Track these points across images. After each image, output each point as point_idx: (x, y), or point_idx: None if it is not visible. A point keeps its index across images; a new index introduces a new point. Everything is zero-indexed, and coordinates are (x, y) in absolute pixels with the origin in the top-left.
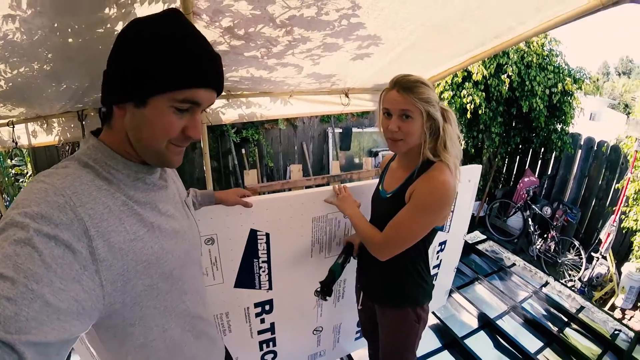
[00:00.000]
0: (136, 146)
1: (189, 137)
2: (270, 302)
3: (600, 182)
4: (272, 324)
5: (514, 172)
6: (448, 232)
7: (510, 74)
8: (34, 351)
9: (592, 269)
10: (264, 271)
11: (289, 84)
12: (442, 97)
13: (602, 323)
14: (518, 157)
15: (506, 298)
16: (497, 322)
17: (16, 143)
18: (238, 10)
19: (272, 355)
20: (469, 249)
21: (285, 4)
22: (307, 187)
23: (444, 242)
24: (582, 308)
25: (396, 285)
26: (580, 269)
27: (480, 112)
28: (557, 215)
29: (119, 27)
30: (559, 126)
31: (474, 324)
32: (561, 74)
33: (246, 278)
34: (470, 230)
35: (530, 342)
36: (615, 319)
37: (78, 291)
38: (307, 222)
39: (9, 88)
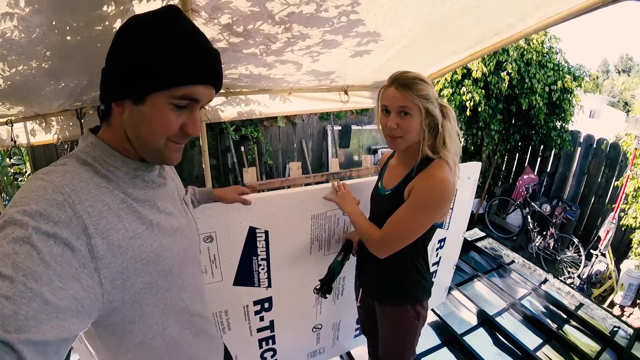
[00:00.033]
0: (135, 143)
1: (188, 134)
2: (269, 299)
3: (599, 180)
4: (272, 322)
5: (514, 170)
6: (447, 229)
7: (509, 71)
8: (33, 350)
9: (591, 266)
10: (263, 269)
11: (288, 81)
12: (441, 94)
13: (601, 320)
14: (517, 154)
15: (505, 295)
16: (497, 319)
17: (15, 142)
18: (237, 7)
19: (271, 353)
20: (468, 246)
21: (284, 0)
22: (306, 185)
23: (444, 239)
24: (581, 305)
25: (396, 282)
26: (580, 266)
27: (479, 109)
28: (556, 213)
29: (118, 24)
30: (558, 124)
31: (473, 321)
32: (561, 72)
33: (245, 276)
34: (469, 228)
35: (530, 339)
36: (614, 316)
37: (77, 289)
38: (306, 219)
39: (7, 86)
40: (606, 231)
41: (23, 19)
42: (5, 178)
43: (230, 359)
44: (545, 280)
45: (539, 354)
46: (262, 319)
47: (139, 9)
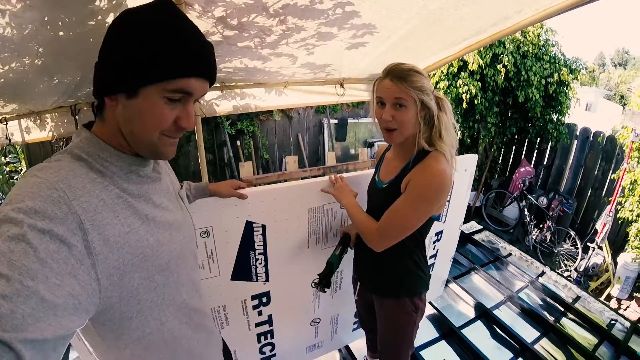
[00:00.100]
0: (128, 138)
1: (182, 127)
2: (267, 294)
3: (596, 173)
4: (270, 316)
5: (510, 162)
6: (444, 222)
7: (506, 63)
8: (31, 348)
9: (588, 259)
10: (260, 263)
11: (284, 74)
12: (437, 86)
13: (598, 313)
14: (514, 147)
15: (502, 288)
16: (494, 311)
17: (10, 140)
18: None
19: (270, 347)
20: (465, 239)
21: None
22: (303, 179)
23: (441, 232)
24: (578, 298)
25: (393, 275)
26: (576, 259)
27: (476, 102)
28: (553, 206)
29: (110, 19)
30: (554, 116)
31: (471, 313)
32: (557, 64)
33: (243, 270)
34: (466, 221)
35: (527, 332)
36: (611, 308)
37: (74, 286)
38: (303, 213)
39: (0, 84)
40: (603, 224)
41: (15, 15)
42: (0, 176)
43: (228, 354)
44: (543, 273)
45: (536, 346)
46: (260, 313)
47: (132, 2)
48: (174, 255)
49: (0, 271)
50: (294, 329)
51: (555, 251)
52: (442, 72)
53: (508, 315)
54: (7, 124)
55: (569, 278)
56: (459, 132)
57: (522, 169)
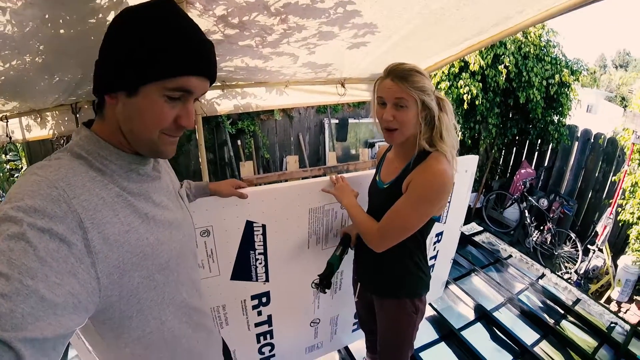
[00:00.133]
0: (128, 136)
1: (182, 126)
2: (267, 294)
3: (597, 175)
4: (269, 317)
5: (511, 164)
6: (445, 223)
7: (507, 64)
8: (31, 347)
9: (589, 262)
10: (260, 263)
11: (285, 73)
12: (438, 87)
13: (598, 316)
14: (515, 148)
15: (502, 290)
16: (494, 313)
17: (10, 138)
18: None
19: (269, 347)
20: (465, 240)
21: None
22: (303, 179)
23: (441, 233)
24: (578, 300)
25: (394, 276)
26: (577, 262)
27: (477, 102)
28: (553, 207)
29: (111, 17)
30: (555, 118)
31: (471, 315)
32: (558, 65)
33: (243, 270)
34: (466, 222)
35: (527, 334)
36: (611, 311)
37: (74, 285)
38: (303, 213)
39: (1, 82)
40: (603, 226)
41: (15, 12)
42: (1, 174)
43: (228, 353)
44: (543, 275)
45: (536, 349)
46: (259, 313)
47: (133, 0)
48: (173, 254)
49: (0, 270)
50: (293, 329)
51: (556, 253)
52: (443, 72)
53: (508, 318)
54: (7, 121)
55: (569, 280)
56: (460, 133)
57: (522, 171)
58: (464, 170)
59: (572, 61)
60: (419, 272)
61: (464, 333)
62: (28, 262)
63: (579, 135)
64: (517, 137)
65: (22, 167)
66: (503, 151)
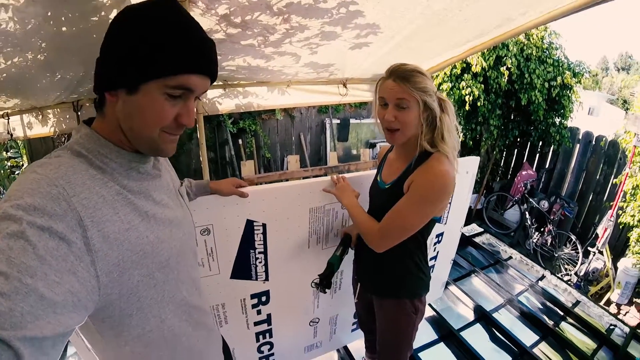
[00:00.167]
0: (128, 134)
1: (182, 124)
2: (266, 293)
3: (597, 177)
4: (269, 315)
5: (512, 165)
6: (445, 224)
7: (509, 66)
8: (30, 346)
9: (589, 264)
10: (260, 262)
11: (287, 73)
12: (440, 88)
13: (598, 318)
14: (516, 150)
15: (502, 291)
16: (493, 314)
17: (11, 135)
18: None
19: (268, 346)
20: (465, 241)
21: None
22: (304, 178)
23: (441, 234)
24: (577, 302)
25: (394, 276)
26: (577, 264)
27: (478, 104)
28: (554, 209)
29: (113, 15)
30: (557, 120)
31: (470, 316)
32: (560, 68)
33: (242, 269)
34: (467, 223)
35: (526, 336)
36: (610, 314)
37: (73, 283)
38: (304, 213)
39: (3, 79)
40: (604, 229)
41: (18, 10)
42: (2, 172)
43: (228, 352)
44: (543, 277)
45: (535, 350)
46: (259, 312)
47: None
48: (173, 253)
49: None
50: (292, 328)
51: (556, 255)
52: (445, 73)
53: (507, 319)
54: (9, 119)
55: (569, 282)
56: (461, 134)
57: (523, 172)
58: (465, 171)
59: (574, 63)
60: (419, 273)
61: (464, 334)
62: (27, 261)
63: (580, 137)
64: (518, 139)
65: (23, 165)
66: (504, 153)
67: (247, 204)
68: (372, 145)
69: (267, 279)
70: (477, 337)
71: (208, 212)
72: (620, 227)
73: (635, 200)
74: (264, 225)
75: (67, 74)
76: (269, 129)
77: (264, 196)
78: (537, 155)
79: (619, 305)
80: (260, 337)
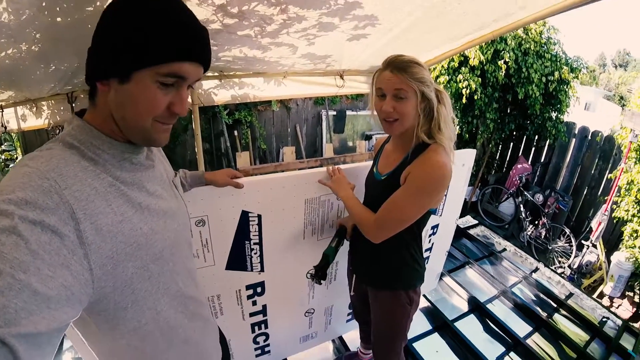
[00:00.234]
0: (121, 124)
1: (175, 113)
2: (262, 284)
3: (592, 172)
4: (264, 306)
5: (507, 159)
6: (441, 216)
7: (507, 60)
8: (25, 343)
9: (582, 257)
10: (255, 253)
11: (283, 64)
12: (437, 81)
13: (591, 310)
14: (512, 143)
15: (496, 282)
16: (487, 306)
17: (5, 127)
18: None
19: (264, 337)
20: (460, 233)
21: None
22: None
23: (437, 226)
24: (571, 295)
25: (389, 267)
26: (570, 256)
27: (475, 97)
28: (548, 203)
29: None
30: (554, 114)
31: (464, 307)
32: (558, 63)
33: (238, 260)
34: (462, 215)
35: (520, 327)
36: (603, 306)
37: (67, 277)
38: (299, 204)
39: None
40: (598, 223)
41: (12, 0)
42: None
43: (225, 343)
44: (536, 269)
45: (528, 341)
46: (254, 303)
47: None
48: (168, 244)
49: None
50: (288, 319)
51: (550, 248)
52: (442, 66)
53: (501, 310)
54: (2, 111)
55: (562, 275)
56: (458, 127)
57: (519, 166)
58: (461, 164)
59: (572, 59)
60: (414, 264)
61: (458, 324)
62: (20, 256)
63: (576, 132)
64: (514, 133)
65: (17, 157)
66: (500, 146)
67: (242, 195)
68: (368, 137)
69: (262, 270)
70: (471, 328)
71: (203, 203)
72: (614, 221)
73: (629, 195)
74: (259, 216)
75: (61, 65)
76: (265, 120)
77: (259, 187)
78: (533, 149)
79: (611, 298)
80: (256, 328)
